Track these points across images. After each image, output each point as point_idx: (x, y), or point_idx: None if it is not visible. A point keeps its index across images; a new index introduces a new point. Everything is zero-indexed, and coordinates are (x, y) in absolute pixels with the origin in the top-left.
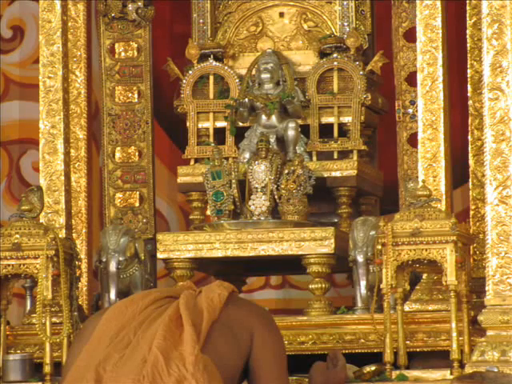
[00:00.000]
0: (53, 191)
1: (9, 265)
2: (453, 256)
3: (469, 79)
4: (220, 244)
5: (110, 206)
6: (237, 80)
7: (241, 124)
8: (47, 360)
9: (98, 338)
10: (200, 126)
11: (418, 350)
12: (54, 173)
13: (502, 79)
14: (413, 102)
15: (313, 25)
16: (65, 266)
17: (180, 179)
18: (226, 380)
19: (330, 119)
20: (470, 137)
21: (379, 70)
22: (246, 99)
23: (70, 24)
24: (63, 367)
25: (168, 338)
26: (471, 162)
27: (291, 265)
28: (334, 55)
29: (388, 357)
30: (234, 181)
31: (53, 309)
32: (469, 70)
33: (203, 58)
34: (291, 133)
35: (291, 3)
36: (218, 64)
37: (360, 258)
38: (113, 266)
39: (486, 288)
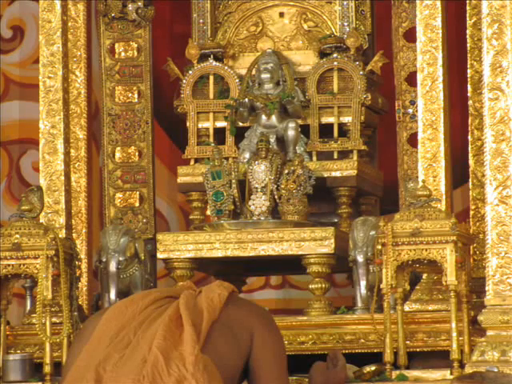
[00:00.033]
0: (53, 191)
1: (9, 265)
2: (453, 256)
3: (469, 79)
4: (220, 244)
5: (110, 206)
6: (237, 80)
7: (241, 124)
8: (47, 360)
9: (97, 338)
10: (200, 126)
11: (418, 350)
12: (54, 173)
13: (502, 79)
14: (413, 102)
15: (313, 25)
16: (65, 265)
17: (180, 179)
18: (226, 380)
19: (330, 119)
20: (470, 137)
21: (379, 70)
22: (246, 99)
23: (70, 24)
24: (63, 367)
25: (168, 338)
26: (471, 162)
27: (291, 265)
28: (334, 55)
29: (388, 357)
30: (233, 181)
31: (53, 309)
32: (469, 70)
33: (203, 57)
34: (291, 133)
35: (291, 3)
36: (217, 64)
37: (360, 258)
38: (113, 266)
39: (486, 288)
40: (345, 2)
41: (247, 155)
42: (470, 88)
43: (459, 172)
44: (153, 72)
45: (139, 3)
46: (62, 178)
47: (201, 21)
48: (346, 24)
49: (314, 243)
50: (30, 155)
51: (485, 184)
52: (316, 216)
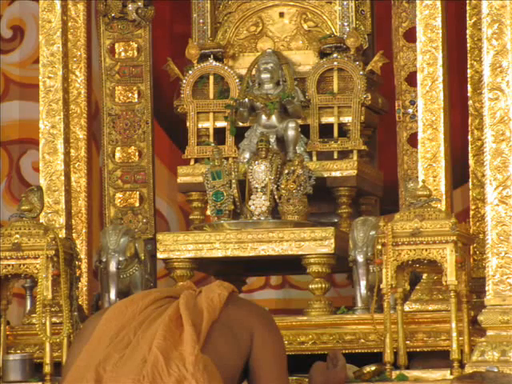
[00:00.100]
0: (53, 191)
1: (9, 265)
2: (453, 256)
3: (469, 79)
4: (220, 244)
5: (110, 206)
6: (237, 80)
7: (241, 124)
8: (47, 360)
9: (97, 338)
10: (200, 126)
11: (418, 350)
12: (54, 173)
13: (502, 79)
14: (413, 102)
15: (313, 25)
16: (65, 265)
17: (180, 179)
18: (226, 380)
19: (330, 119)
20: (470, 137)
21: (379, 70)
22: (246, 99)
23: (70, 24)
24: (63, 367)
25: (168, 338)
26: (471, 162)
27: (291, 265)
28: (334, 55)
29: (388, 357)
30: (233, 181)
31: (53, 309)
32: (469, 70)
33: (203, 57)
34: (291, 133)
35: (291, 3)
36: (218, 64)
37: (360, 258)
38: (113, 266)
39: (486, 288)
40: (345, 2)
41: (247, 155)
42: (470, 88)
43: (459, 172)
44: (153, 72)
45: (139, 3)
46: (62, 178)
47: (201, 21)
48: (346, 24)
49: (313, 243)
50: (30, 155)
51: (485, 184)
52: (316, 216)
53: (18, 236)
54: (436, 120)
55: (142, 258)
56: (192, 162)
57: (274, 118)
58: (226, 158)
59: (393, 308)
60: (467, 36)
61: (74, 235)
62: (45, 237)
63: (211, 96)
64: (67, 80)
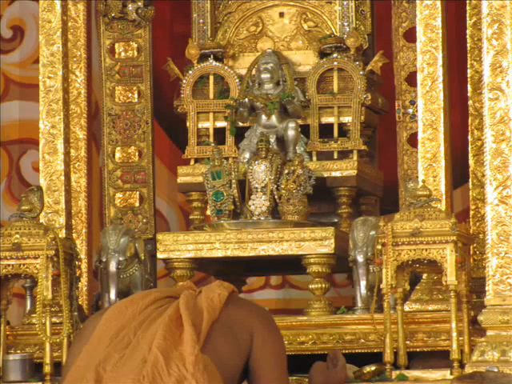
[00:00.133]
0: (53, 191)
1: (9, 265)
2: (453, 256)
3: (469, 79)
4: (220, 244)
5: (110, 206)
6: (237, 80)
7: (241, 124)
8: (47, 360)
9: (98, 338)
10: (200, 126)
11: (418, 349)
12: (54, 173)
13: (502, 79)
14: (413, 102)
15: (313, 25)
16: (65, 266)
17: (180, 179)
18: (226, 380)
19: (330, 119)
20: (470, 137)
21: (379, 70)
22: (246, 99)
23: (70, 24)
24: (63, 367)
25: (168, 338)
26: (471, 162)
27: (291, 265)
28: (334, 55)
29: (388, 357)
30: (233, 181)
31: (53, 309)
32: (469, 70)
33: (203, 57)
34: (291, 133)
35: (291, 3)
36: (218, 64)
37: (360, 258)
38: (113, 266)
39: (486, 288)
40: (345, 2)
41: (247, 155)
42: (470, 88)
43: (459, 172)
44: (153, 72)
45: (139, 3)
46: (62, 178)
47: (201, 21)
48: (346, 24)
49: (313, 243)
50: (30, 155)
51: (485, 184)
52: (316, 216)
53: (18, 236)
54: (436, 120)
55: (142, 258)
56: (192, 162)
57: (273, 118)
58: (226, 158)
59: (393, 308)
60: (467, 36)
61: (74, 235)
62: (45, 237)
63: (211, 96)
64: (67, 80)
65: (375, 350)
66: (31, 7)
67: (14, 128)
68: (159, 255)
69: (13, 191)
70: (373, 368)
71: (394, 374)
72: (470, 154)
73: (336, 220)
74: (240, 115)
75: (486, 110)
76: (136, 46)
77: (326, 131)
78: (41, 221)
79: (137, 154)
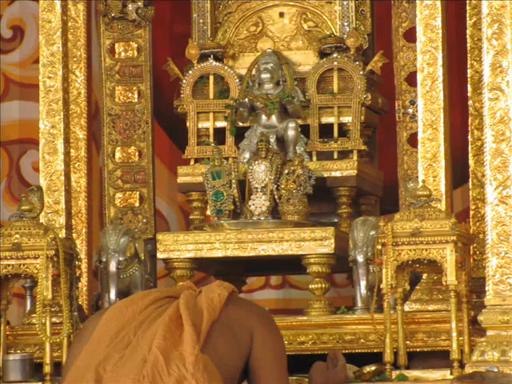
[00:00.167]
0: (53, 191)
1: (9, 265)
2: (453, 256)
3: (469, 79)
4: (220, 244)
5: (110, 206)
6: (237, 80)
7: (241, 124)
8: (47, 360)
9: (98, 338)
10: (200, 126)
11: (418, 350)
12: (54, 173)
13: (502, 79)
14: (413, 102)
15: (313, 25)
16: (65, 266)
17: (180, 179)
18: (226, 380)
19: (330, 119)
20: (470, 137)
21: (379, 70)
22: (246, 99)
23: (70, 24)
24: (63, 367)
25: (168, 338)
26: (471, 162)
27: (291, 265)
28: (334, 55)
29: (388, 357)
30: (233, 181)
31: (53, 309)
32: (469, 70)
33: (203, 58)
34: (291, 133)
35: (291, 3)
36: (218, 64)
37: (360, 258)
38: (113, 266)
39: (486, 288)
40: (345, 2)
41: (247, 155)
42: (470, 88)
43: (459, 172)
44: (153, 72)
45: (139, 3)
46: (62, 178)
47: (201, 21)
48: (346, 24)
49: (313, 243)
50: (30, 155)
51: (485, 184)
52: (316, 216)
53: (18, 236)
54: (436, 120)
55: (142, 258)
56: (192, 162)
57: (274, 118)
58: (226, 158)
59: (393, 308)
60: (467, 36)
61: (74, 235)
62: (45, 237)
63: (211, 96)
64: (67, 80)
65: (375, 350)
66: (31, 7)
67: (14, 128)
68: (159, 255)
69: (13, 191)
70: (373, 368)
71: (394, 373)
72: (470, 154)
73: (336, 220)
74: (240, 115)
75: (486, 110)
76: (136, 46)
77: (326, 131)
78: (41, 221)
79: (137, 154)
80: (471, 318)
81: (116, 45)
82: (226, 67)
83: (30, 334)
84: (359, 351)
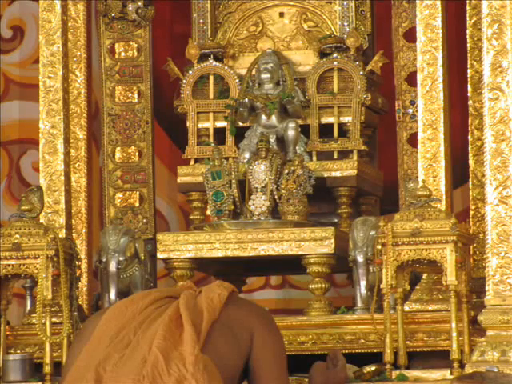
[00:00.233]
0: (53, 191)
1: (9, 265)
2: (453, 256)
3: (469, 79)
4: (220, 244)
5: (110, 206)
6: (237, 80)
7: (241, 124)
8: (47, 360)
9: (97, 338)
10: (200, 126)
11: (418, 350)
12: (54, 173)
13: (502, 79)
14: (413, 102)
15: (313, 25)
16: (65, 266)
17: (180, 179)
18: (226, 380)
19: (330, 119)
20: (470, 137)
21: (379, 70)
22: (246, 99)
23: (70, 24)
24: (63, 367)
25: (168, 338)
26: (471, 162)
27: (291, 265)
28: (334, 55)
29: (388, 357)
30: (234, 181)
31: (53, 309)
32: (469, 70)
33: (203, 57)
34: (291, 133)
35: (291, 3)
36: (218, 64)
37: (360, 258)
38: (113, 266)
39: (486, 288)
40: (345, 2)
41: (247, 155)
42: (470, 88)
43: (459, 172)
44: (153, 72)
45: (139, 3)
46: (62, 178)
47: (201, 21)
48: (346, 24)
49: (313, 243)
50: (30, 155)
51: (485, 184)
52: (316, 216)
53: (18, 236)
54: (436, 120)
55: (142, 258)
56: (192, 162)
57: (274, 118)
58: (226, 158)
59: (393, 308)
60: (467, 36)
61: (74, 235)
62: (45, 237)
63: (211, 96)
64: (67, 80)
65: (375, 350)
66: (31, 7)
67: (14, 128)
68: (159, 255)
69: (13, 191)
70: (373, 368)
71: (394, 373)
72: (470, 154)
73: (336, 220)
74: (240, 115)
75: (486, 110)
76: (136, 46)
77: (326, 131)
78: (41, 221)
79: (137, 154)
80: (471, 318)
81: (116, 45)
82: (226, 67)
83: (30, 334)
84: (359, 351)
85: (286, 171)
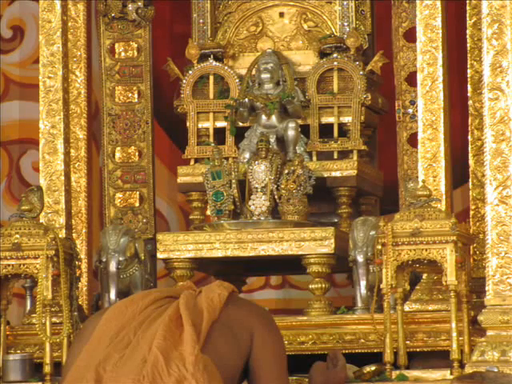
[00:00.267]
0: (53, 191)
1: (9, 265)
2: (453, 256)
3: (469, 79)
4: (220, 244)
5: (110, 206)
6: (237, 80)
7: (241, 124)
8: (47, 360)
9: (98, 338)
10: (200, 126)
11: (418, 350)
12: (54, 173)
13: (502, 79)
14: (413, 102)
15: (313, 25)
16: (65, 266)
17: (180, 179)
18: (226, 380)
19: (330, 119)
20: (470, 137)
21: (379, 70)
22: (246, 99)
23: (70, 24)
24: (63, 367)
25: (168, 338)
26: (471, 162)
27: (291, 265)
28: (334, 55)
29: (388, 357)
30: (233, 181)
31: (53, 309)
32: (469, 70)
33: (203, 58)
34: (291, 133)
35: (291, 3)
36: (218, 64)
37: (360, 258)
38: (113, 266)
39: (486, 288)
40: (345, 2)
41: (247, 155)
42: (470, 88)
43: (459, 172)
44: (153, 72)
45: (139, 3)
46: (62, 178)
47: (201, 21)
48: (346, 24)
49: (313, 243)
50: (30, 155)
51: (485, 184)
52: (316, 216)
53: (18, 236)
54: (436, 120)
55: (142, 258)
56: (192, 162)
57: (274, 118)
58: (226, 158)
59: (393, 308)
60: (467, 36)
61: (74, 235)
62: (45, 237)
63: (211, 96)
64: (67, 80)
65: (375, 350)
66: (31, 7)
67: (14, 128)
68: (159, 255)
69: (13, 191)
70: (373, 368)
71: (394, 373)
72: (470, 154)
73: (336, 220)
74: (240, 115)
75: (486, 110)
76: (136, 46)
77: (326, 131)
78: (41, 221)
79: (137, 154)
80: (471, 318)
81: (116, 45)
82: (226, 67)
83: (30, 334)
84: (359, 351)
85: (286, 171)
